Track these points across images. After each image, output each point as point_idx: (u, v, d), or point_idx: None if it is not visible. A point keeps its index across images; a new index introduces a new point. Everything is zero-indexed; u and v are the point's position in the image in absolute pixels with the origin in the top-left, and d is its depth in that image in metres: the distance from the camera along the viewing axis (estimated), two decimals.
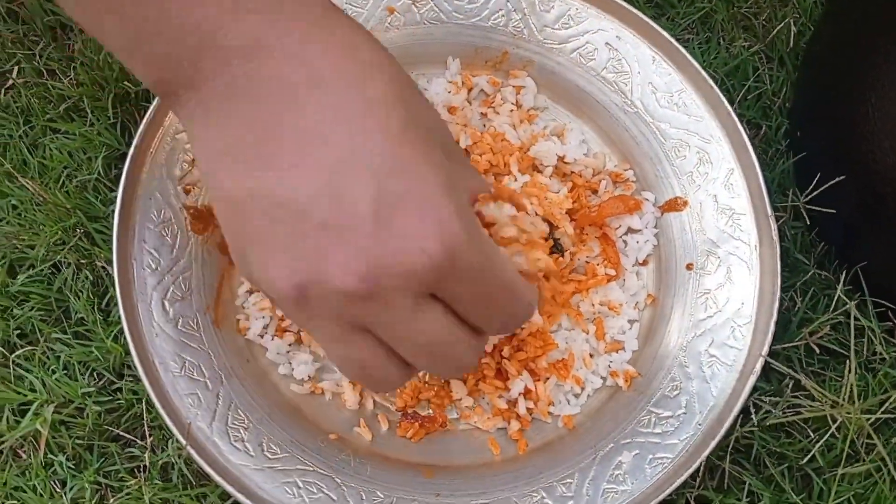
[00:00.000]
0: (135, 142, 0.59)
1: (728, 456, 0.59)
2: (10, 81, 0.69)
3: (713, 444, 0.55)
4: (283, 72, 0.40)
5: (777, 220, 0.62)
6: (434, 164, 0.41)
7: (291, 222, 0.40)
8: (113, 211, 0.62)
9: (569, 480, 0.57)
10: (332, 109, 0.40)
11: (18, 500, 0.59)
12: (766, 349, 0.57)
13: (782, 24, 0.71)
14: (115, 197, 0.62)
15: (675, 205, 0.64)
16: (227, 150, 0.41)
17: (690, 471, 0.55)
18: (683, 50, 0.64)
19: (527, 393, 0.61)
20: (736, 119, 0.63)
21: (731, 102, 0.65)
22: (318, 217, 0.39)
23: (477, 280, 0.42)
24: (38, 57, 0.70)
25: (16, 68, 0.70)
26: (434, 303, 0.42)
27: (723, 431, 0.56)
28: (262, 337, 0.61)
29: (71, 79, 0.68)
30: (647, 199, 0.65)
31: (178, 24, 0.40)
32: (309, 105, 0.40)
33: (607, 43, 0.67)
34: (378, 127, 0.40)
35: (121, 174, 0.61)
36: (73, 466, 0.59)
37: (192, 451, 0.54)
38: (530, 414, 0.61)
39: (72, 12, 0.44)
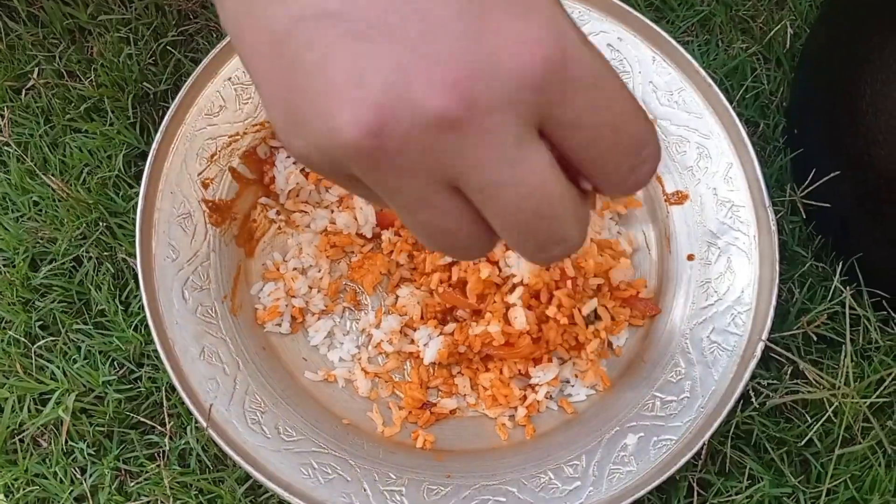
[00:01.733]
0: (157, 138, 0.61)
1: (729, 441, 0.61)
2: (31, 82, 0.71)
3: (715, 425, 0.57)
4: None
5: (776, 214, 0.64)
6: None
7: (354, 42, 0.31)
8: (134, 206, 0.64)
9: (576, 462, 0.58)
10: None
11: (39, 487, 0.61)
12: (765, 333, 0.59)
13: (779, 26, 0.73)
14: (135, 193, 0.65)
15: (676, 198, 0.66)
16: None
17: (693, 451, 0.57)
18: (683, 50, 0.67)
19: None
20: (734, 115, 0.65)
21: (730, 101, 0.67)
22: (390, 28, 0.31)
23: (596, 89, 0.33)
24: (58, 59, 0.72)
25: (36, 69, 0.72)
26: (540, 142, 0.33)
27: (724, 414, 0.58)
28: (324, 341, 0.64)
29: (91, 80, 0.70)
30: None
31: None
32: None
33: (609, 44, 0.69)
34: None
35: (140, 171, 0.64)
36: (93, 453, 0.61)
37: (212, 433, 0.56)
38: (549, 399, 0.62)
39: None
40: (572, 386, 0.64)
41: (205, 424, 0.56)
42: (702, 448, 0.58)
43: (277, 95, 0.34)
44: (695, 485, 0.60)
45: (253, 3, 0.33)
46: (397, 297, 0.65)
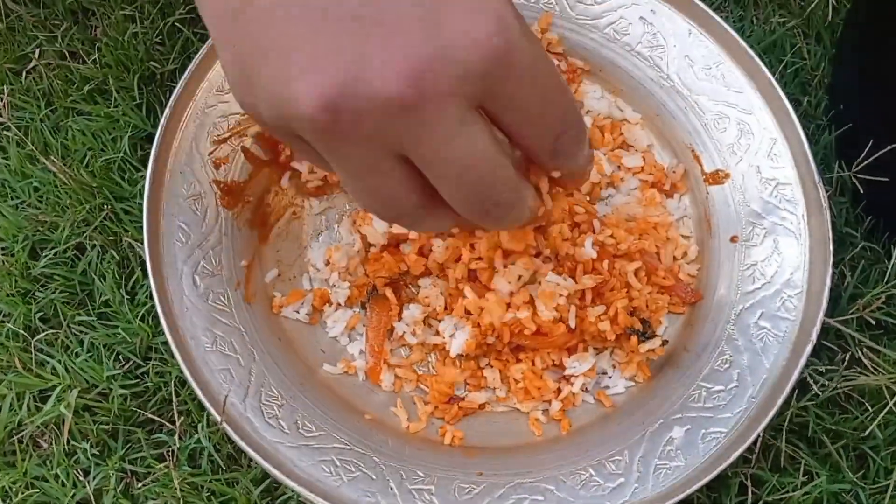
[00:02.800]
0: (165, 114, 0.58)
1: (783, 434, 0.57)
2: (33, 63, 0.68)
3: (770, 416, 0.53)
4: None
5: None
6: None
7: (319, 21, 0.34)
8: (140, 190, 0.61)
9: (618, 458, 0.54)
10: None
11: (39, 490, 0.57)
12: (820, 317, 0.55)
13: None
14: (142, 177, 0.61)
15: (716, 177, 0.62)
16: None
17: (747, 444, 0.53)
18: (721, 21, 0.63)
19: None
20: (778, 88, 0.61)
21: None
22: (359, 14, 0.34)
23: (534, 77, 0.37)
24: (60, 39, 0.69)
25: (37, 51, 0.68)
26: (480, 118, 0.37)
27: (779, 404, 0.54)
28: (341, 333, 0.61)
29: (95, 60, 0.67)
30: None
31: None
32: None
33: (641, 17, 0.65)
34: None
35: (147, 155, 0.60)
36: (97, 453, 0.57)
37: (227, 427, 0.51)
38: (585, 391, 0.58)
39: None
40: (609, 377, 0.59)
41: (219, 419, 0.51)
42: (756, 440, 0.54)
43: (233, 56, 0.37)
44: (747, 482, 0.55)
45: None
46: (419, 287, 0.61)
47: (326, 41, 0.34)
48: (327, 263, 0.61)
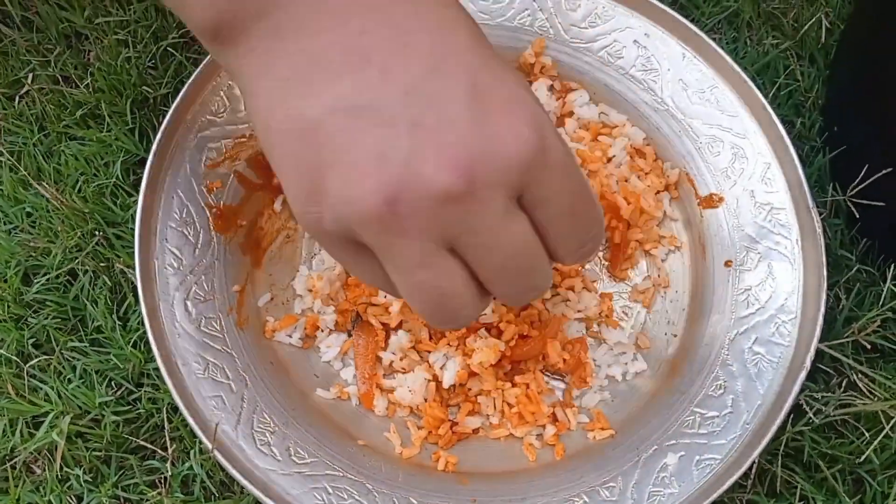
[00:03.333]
0: (156, 139, 0.58)
1: (779, 459, 0.56)
2: (25, 88, 0.68)
3: (764, 442, 0.53)
4: None
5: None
6: (511, 68, 0.42)
7: (380, 129, 0.38)
8: (132, 215, 0.61)
9: (612, 484, 0.54)
10: (415, 18, 0.40)
11: None
12: (815, 343, 0.55)
13: (812, 20, 0.70)
14: (134, 202, 0.61)
15: (710, 202, 0.62)
16: (299, 72, 0.40)
17: (742, 471, 0.52)
18: (715, 45, 0.63)
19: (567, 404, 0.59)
20: (772, 112, 0.61)
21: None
22: (411, 118, 0.38)
23: (565, 174, 0.41)
24: (52, 64, 0.69)
25: (30, 75, 0.69)
26: (521, 212, 0.41)
27: (774, 429, 0.53)
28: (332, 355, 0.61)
29: (87, 85, 0.67)
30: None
31: None
32: (397, 15, 0.40)
33: (635, 41, 0.65)
34: (459, 35, 0.40)
35: (139, 179, 0.60)
36: (90, 480, 0.57)
37: (218, 455, 0.51)
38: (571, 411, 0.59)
39: None
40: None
41: (210, 446, 0.51)
42: (751, 467, 0.54)
43: (300, 171, 0.40)
44: None
45: (288, 94, 0.40)
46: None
47: (388, 144, 0.38)
48: (310, 290, 0.60)
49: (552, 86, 0.66)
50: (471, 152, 0.38)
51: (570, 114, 0.66)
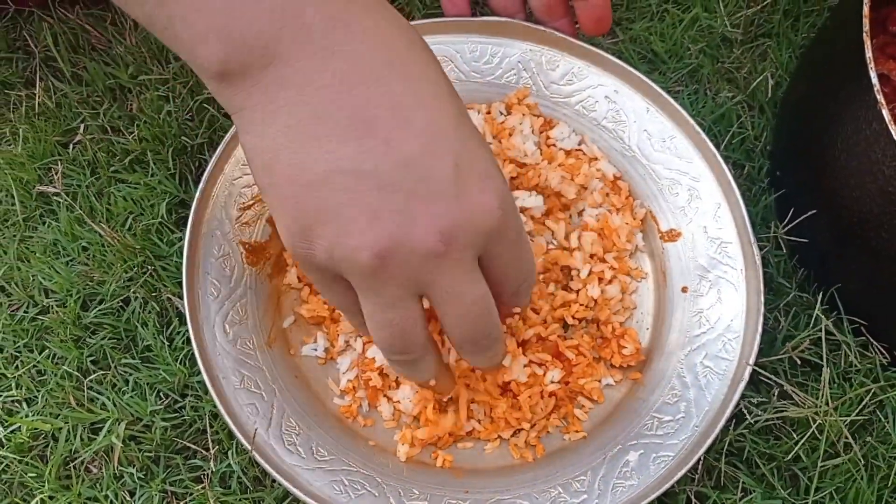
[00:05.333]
0: (199, 187, 0.67)
1: (724, 457, 0.66)
2: (78, 137, 0.78)
3: (708, 442, 0.63)
4: (364, 49, 0.45)
5: (761, 249, 0.70)
6: (484, 144, 0.49)
7: (379, 192, 0.45)
8: (176, 250, 0.71)
9: (582, 478, 0.64)
10: (412, 94, 0.46)
11: None
12: (752, 358, 0.65)
13: (761, 76, 0.80)
14: (177, 238, 0.71)
15: (670, 236, 0.72)
16: (303, 125, 0.44)
17: (689, 466, 0.62)
18: (673, 101, 0.73)
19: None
20: (721, 160, 0.71)
21: (718, 146, 0.73)
22: (408, 187, 0.45)
23: (516, 239, 0.50)
24: (101, 115, 0.79)
25: (82, 125, 0.79)
26: (479, 269, 0.49)
27: (716, 432, 0.63)
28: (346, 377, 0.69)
29: (133, 135, 0.77)
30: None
31: (266, 4, 0.43)
32: (398, 89, 0.45)
33: (606, 96, 0.75)
34: (447, 112, 0.47)
35: (180, 218, 0.70)
36: (142, 477, 0.66)
37: (255, 454, 0.61)
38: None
39: (141, 8, 0.45)
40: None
41: (249, 447, 0.61)
42: (697, 463, 0.64)
43: (296, 213, 0.46)
44: (693, 497, 0.65)
45: (292, 143, 0.45)
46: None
47: (384, 205, 0.45)
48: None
49: (538, 119, 0.76)
50: (453, 221, 0.46)
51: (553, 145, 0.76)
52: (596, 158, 0.75)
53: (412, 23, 0.70)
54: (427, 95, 0.47)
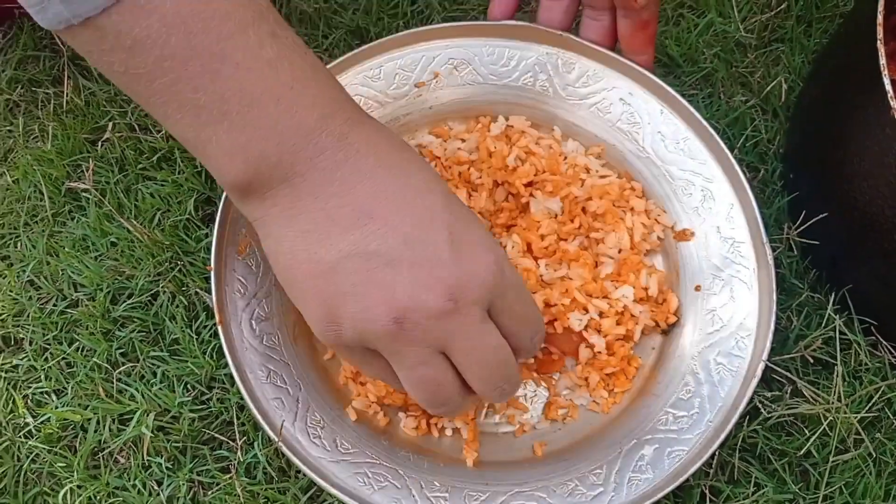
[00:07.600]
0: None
1: (737, 452, 0.68)
2: (107, 135, 0.80)
3: (722, 437, 0.65)
4: (360, 156, 0.52)
5: (774, 250, 0.71)
6: (474, 218, 0.56)
7: (387, 268, 0.51)
8: (204, 246, 0.72)
9: (599, 471, 0.66)
10: (406, 188, 0.53)
11: (120, 498, 0.68)
12: (765, 355, 0.67)
13: (775, 81, 0.81)
14: (204, 234, 0.73)
15: (683, 235, 0.74)
16: (318, 226, 0.51)
17: (703, 460, 0.64)
18: (687, 103, 0.75)
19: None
20: (734, 161, 0.73)
21: (732, 149, 0.75)
22: (410, 259, 0.51)
23: (518, 292, 0.56)
24: (129, 114, 0.81)
25: (110, 124, 0.80)
26: (491, 322, 0.54)
27: (729, 427, 0.65)
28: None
29: (161, 133, 0.79)
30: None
31: (287, 128, 0.50)
32: (390, 182, 0.53)
33: (621, 98, 0.77)
34: (437, 196, 0.54)
35: (207, 215, 0.72)
36: (169, 467, 0.68)
37: (282, 446, 0.63)
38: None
39: (177, 125, 0.51)
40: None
41: (276, 439, 0.63)
42: (711, 458, 0.66)
43: (319, 300, 0.52)
44: (707, 491, 0.67)
45: (310, 243, 0.52)
46: None
47: (394, 279, 0.51)
48: None
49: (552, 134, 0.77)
50: (457, 280, 0.51)
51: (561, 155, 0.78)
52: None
53: (432, 27, 0.77)
54: (416, 183, 0.54)
